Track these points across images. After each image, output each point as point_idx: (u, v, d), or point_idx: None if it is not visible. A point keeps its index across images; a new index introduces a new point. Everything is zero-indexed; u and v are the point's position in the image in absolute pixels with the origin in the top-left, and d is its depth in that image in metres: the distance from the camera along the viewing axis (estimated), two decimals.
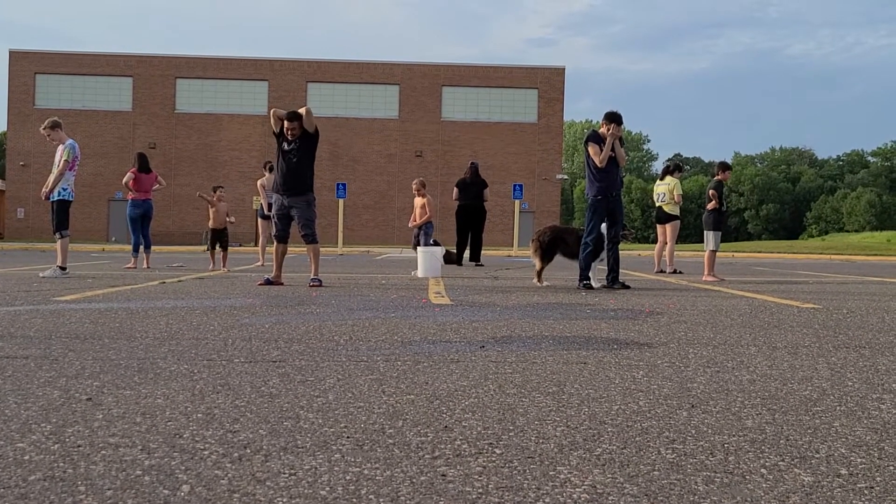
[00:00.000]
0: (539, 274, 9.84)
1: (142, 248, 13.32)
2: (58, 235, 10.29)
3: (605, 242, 9.44)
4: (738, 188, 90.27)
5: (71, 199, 10.36)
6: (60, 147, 10.39)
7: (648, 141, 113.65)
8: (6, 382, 3.17)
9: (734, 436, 2.49)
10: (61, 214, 10.27)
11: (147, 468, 2.07)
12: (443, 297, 7.69)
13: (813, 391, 3.23)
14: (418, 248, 12.07)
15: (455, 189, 16.17)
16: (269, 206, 11.40)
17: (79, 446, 2.26)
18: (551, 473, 2.08)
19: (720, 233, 11.67)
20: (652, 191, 15.34)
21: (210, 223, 13.92)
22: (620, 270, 9.83)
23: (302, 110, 9.15)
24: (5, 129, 45.73)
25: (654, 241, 16.75)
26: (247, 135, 43.56)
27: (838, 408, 2.93)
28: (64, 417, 2.60)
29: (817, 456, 2.28)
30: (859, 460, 2.25)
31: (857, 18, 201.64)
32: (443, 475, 2.05)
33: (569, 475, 2.07)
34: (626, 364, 3.82)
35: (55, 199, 10.26)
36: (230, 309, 6.22)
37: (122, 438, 2.35)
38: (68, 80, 43.48)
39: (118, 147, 42.83)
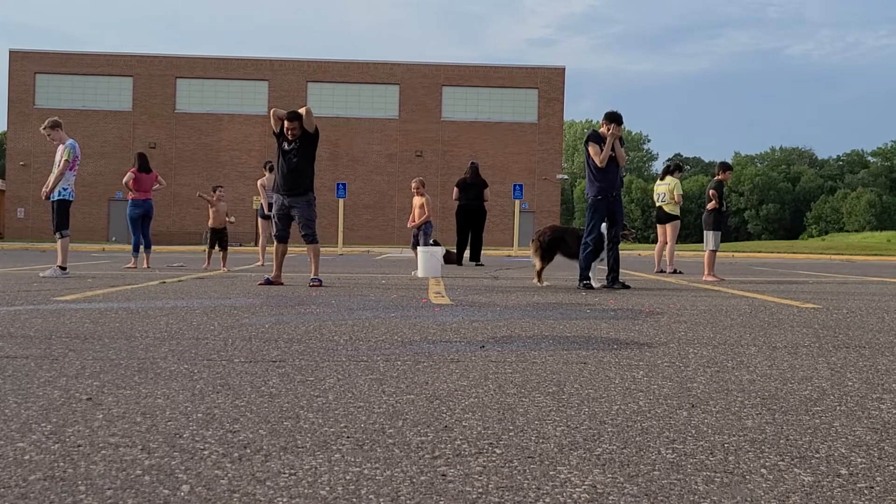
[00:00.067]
0: (539, 274, 9.84)
1: (142, 247, 13.32)
2: (58, 235, 10.29)
3: (606, 242, 9.44)
4: (739, 188, 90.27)
5: (71, 198, 10.36)
6: (61, 147, 10.39)
7: (648, 141, 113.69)
8: (6, 382, 3.17)
9: (734, 436, 2.49)
10: (61, 214, 10.27)
11: (147, 468, 2.07)
12: (443, 297, 7.69)
13: (813, 391, 3.23)
14: (418, 247, 12.06)
15: (455, 189, 16.17)
16: (270, 205, 11.41)
17: (79, 446, 2.26)
18: (551, 473, 2.08)
19: (720, 233, 11.67)
20: (652, 191, 15.35)
21: (210, 223, 13.91)
22: (620, 270, 9.83)
23: (302, 110, 9.15)
24: (5, 128, 45.74)
25: (655, 241, 16.76)
26: (247, 135, 43.56)
27: (838, 408, 2.93)
28: (64, 417, 2.60)
29: (817, 456, 2.28)
30: (859, 460, 2.25)
31: (857, 18, 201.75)
32: (443, 475, 2.05)
33: (569, 475, 2.07)
34: (626, 364, 3.82)
35: (55, 198, 10.26)
36: (230, 309, 6.22)
37: (123, 438, 2.35)
38: (68, 80, 43.49)
39: (118, 147, 42.84)
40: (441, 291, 8.37)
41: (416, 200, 12.65)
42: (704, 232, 11.75)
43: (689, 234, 61.99)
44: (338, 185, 28.58)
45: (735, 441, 2.42)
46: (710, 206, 11.60)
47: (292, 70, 44.30)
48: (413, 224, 12.67)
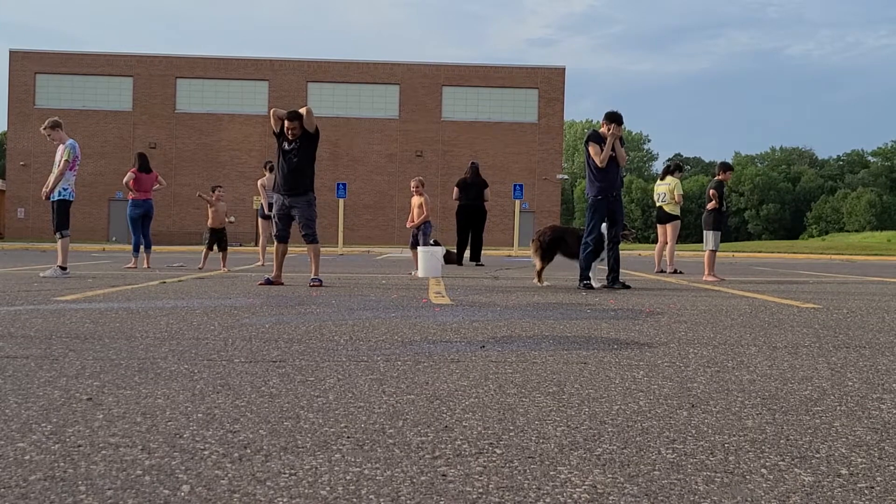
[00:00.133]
0: (539, 274, 9.84)
1: (142, 247, 13.32)
2: (58, 235, 10.29)
3: (606, 242, 9.44)
4: (739, 188, 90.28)
5: (71, 198, 10.36)
6: (61, 147, 10.39)
7: (649, 141, 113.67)
8: (7, 382, 3.17)
9: (734, 436, 2.49)
10: (62, 214, 10.27)
11: (147, 468, 2.07)
12: (443, 297, 7.69)
13: (813, 391, 3.23)
14: (419, 247, 12.06)
15: (455, 189, 16.17)
16: (270, 205, 11.40)
17: (79, 446, 2.26)
18: (552, 473, 2.08)
19: (720, 233, 11.66)
20: (652, 191, 15.34)
21: (209, 223, 13.89)
22: (621, 270, 9.83)
23: (302, 110, 9.15)
24: (6, 129, 45.74)
25: (655, 241, 16.76)
26: (247, 135, 43.57)
27: (838, 408, 2.93)
28: (64, 417, 2.60)
29: (818, 456, 2.28)
30: (860, 460, 2.25)
31: (857, 18, 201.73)
32: (443, 475, 2.05)
33: (569, 475, 2.07)
34: (626, 364, 3.82)
35: (55, 198, 10.26)
36: (230, 309, 6.22)
37: (123, 438, 2.35)
38: (69, 80, 43.49)
39: (118, 147, 42.84)
40: (441, 291, 8.37)
41: (415, 200, 12.65)
42: (704, 232, 11.75)
43: (690, 234, 61.98)
44: (338, 185, 28.58)
45: (735, 441, 2.42)
46: (710, 206, 11.60)
47: (292, 70, 44.31)
48: (412, 224, 12.67)
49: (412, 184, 12.80)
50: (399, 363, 3.74)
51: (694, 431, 2.54)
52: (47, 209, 11.25)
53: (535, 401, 2.96)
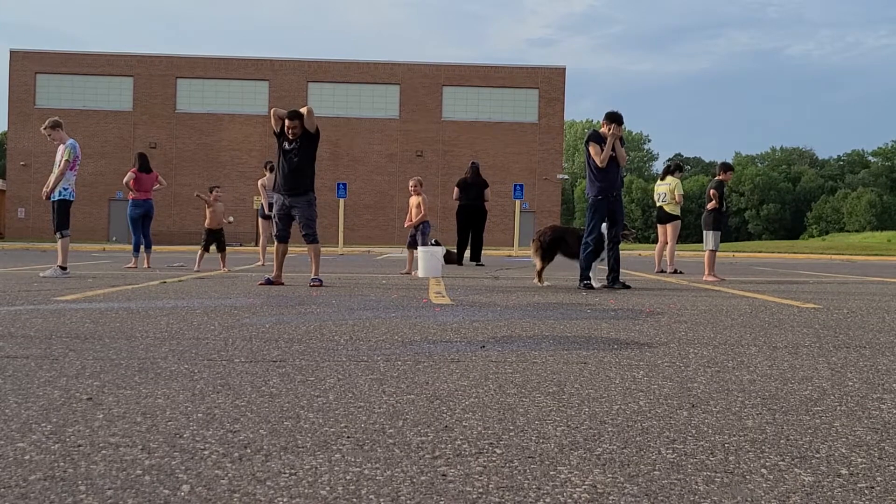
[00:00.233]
0: (539, 274, 9.84)
1: (142, 247, 13.32)
2: (58, 235, 10.29)
3: (606, 242, 9.44)
4: (739, 188, 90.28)
5: (72, 198, 10.36)
6: (61, 147, 10.40)
7: (649, 141, 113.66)
8: (7, 382, 3.17)
9: (734, 436, 2.49)
10: (62, 214, 10.28)
11: (147, 468, 2.07)
12: (443, 297, 7.69)
13: (813, 391, 3.23)
14: (419, 248, 12.07)
15: (456, 189, 16.17)
16: (270, 205, 11.40)
17: (79, 446, 2.26)
18: (552, 473, 2.08)
19: (720, 232, 11.66)
20: (652, 191, 15.34)
21: (206, 223, 13.81)
22: (621, 270, 9.83)
23: (303, 109, 9.15)
24: (6, 128, 45.73)
25: (655, 241, 16.76)
26: (247, 135, 43.57)
27: (839, 408, 2.93)
28: (64, 417, 2.60)
29: (818, 456, 2.28)
30: (860, 460, 2.25)
31: (857, 18, 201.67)
32: (443, 475, 2.05)
33: (569, 475, 2.07)
34: (626, 364, 3.82)
35: (56, 198, 10.26)
36: (231, 309, 6.22)
37: (123, 438, 2.35)
38: (69, 80, 43.49)
39: (119, 147, 42.84)
40: (441, 291, 8.37)
41: (413, 200, 12.65)
42: (704, 232, 11.74)
43: (690, 234, 61.98)
44: (338, 185, 28.58)
45: (735, 441, 2.42)
46: (710, 206, 11.60)
47: (293, 70, 44.31)
48: (410, 224, 12.66)
49: (410, 183, 12.80)
50: (399, 363, 3.74)
51: (694, 431, 2.54)
52: (47, 209, 11.25)
53: (535, 401, 2.96)
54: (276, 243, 9.33)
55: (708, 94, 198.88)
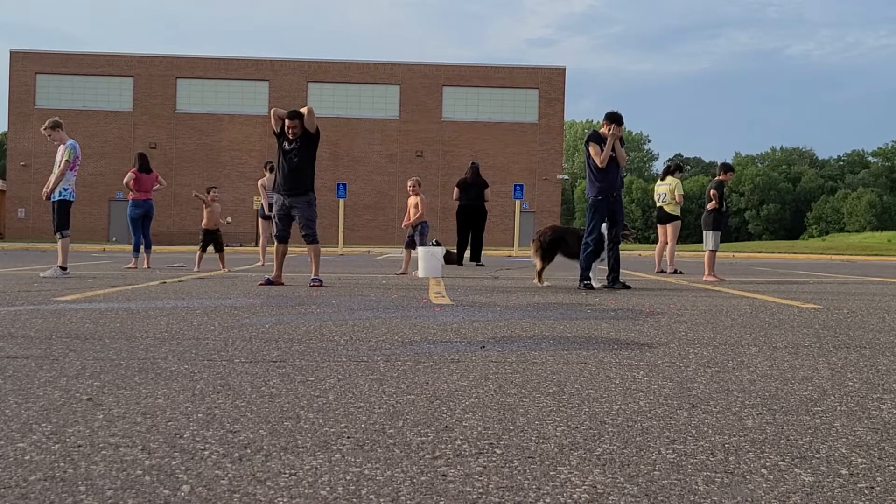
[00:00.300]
0: (539, 274, 9.84)
1: (142, 248, 13.32)
2: (58, 235, 10.29)
3: (606, 242, 9.44)
4: (739, 188, 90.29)
5: (72, 199, 10.36)
6: (61, 147, 10.40)
7: (649, 141, 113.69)
8: (7, 382, 3.17)
9: (735, 436, 2.49)
10: (62, 214, 10.28)
11: (147, 468, 2.07)
12: (443, 297, 7.69)
13: (813, 391, 3.23)
14: (419, 248, 12.06)
15: (456, 189, 16.17)
16: (270, 206, 11.40)
17: (79, 446, 2.26)
18: (552, 473, 2.08)
19: (719, 233, 11.66)
20: (652, 191, 15.34)
21: (203, 223, 13.79)
22: (621, 270, 9.83)
23: (304, 109, 9.15)
24: (6, 129, 45.74)
25: (655, 242, 16.76)
26: (247, 135, 43.57)
27: (839, 408, 2.93)
28: (64, 417, 2.60)
29: (818, 456, 2.28)
30: (860, 460, 2.25)
31: (857, 18, 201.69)
32: (443, 475, 2.05)
33: (569, 475, 2.07)
34: (626, 364, 3.82)
35: (56, 199, 10.26)
36: (231, 309, 6.22)
37: (123, 438, 2.35)
38: (69, 80, 43.49)
39: (119, 147, 42.84)
40: (441, 292, 8.37)
41: (412, 200, 12.65)
42: (704, 232, 11.74)
43: (690, 235, 61.99)
44: (338, 185, 28.58)
45: (735, 441, 2.42)
46: (709, 206, 11.60)
47: (293, 70, 44.31)
48: (408, 223, 12.66)
49: (409, 184, 12.80)
50: (399, 363, 3.74)
51: (694, 431, 2.54)
52: (48, 209, 11.25)
53: (535, 401, 2.96)
54: (276, 243, 9.33)
55: (708, 94, 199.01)
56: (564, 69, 45.22)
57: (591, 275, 9.33)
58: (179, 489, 1.91)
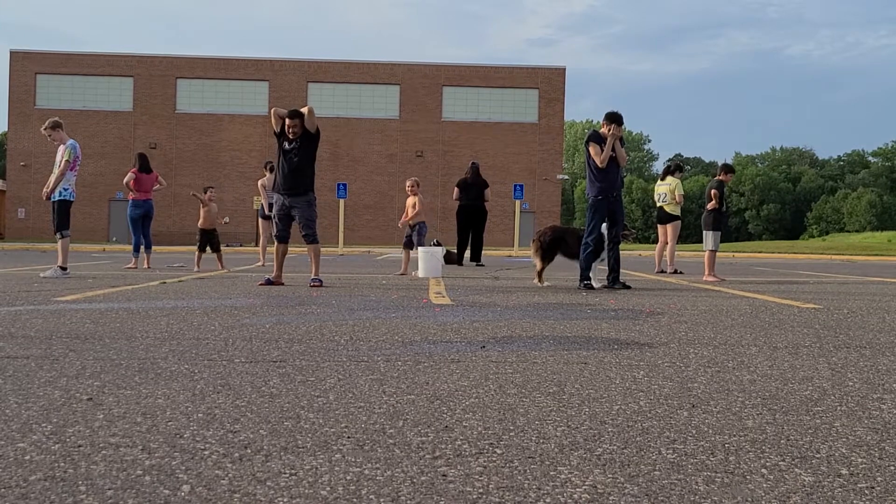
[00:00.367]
0: (540, 274, 9.84)
1: (142, 248, 13.32)
2: (58, 235, 10.29)
3: (606, 242, 9.44)
4: (739, 188, 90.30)
5: (72, 199, 10.36)
6: (61, 147, 10.40)
7: (649, 141, 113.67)
8: (7, 382, 3.17)
9: (735, 436, 2.49)
10: (62, 214, 10.28)
11: (148, 468, 2.07)
12: (443, 297, 7.69)
13: (814, 391, 3.23)
14: (419, 248, 12.06)
15: (456, 189, 16.17)
16: (270, 206, 11.40)
17: (79, 446, 2.26)
18: (552, 473, 2.08)
19: (719, 233, 11.66)
20: (653, 191, 15.34)
21: (200, 223, 13.79)
22: (621, 270, 9.83)
23: (304, 109, 9.15)
24: (6, 129, 45.73)
25: (655, 242, 16.76)
26: (247, 135, 43.57)
27: (839, 408, 2.93)
28: (65, 417, 2.60)
29: (818, 456, 2.28)
30: (860, 460, 2.25)
31: (857, 18, 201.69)
32: (443, 475, 2.05)
33: (569, 475, 2.07)
34: (626, 364, 3.82)
35: (56, 199, 10.26)
36: (231, 309, 6.22)
37: (123, 438, 2.35)
38: (69, 81, 43.49)
39: (119, 147, 42.84)
40: (442, 292, 8.37)
41: (410, 200, 12.66)
42: (704, 232, 11.75)
43: (690, 235, 62.01)
44: (338, 185, 28.58)
45: (736, 441, 2.42)
46: (709, 206, 11.60)
47: (293, 70, 44.30)
48: (405, 222, 12.66)
49: (407, 184, 12.80)
50: (399, 363, 3.74)
51: (694, 431, 2.54)
52: (48, 209, 11.25)
53: (536, 401, 2.96)
54: (276, 244, 9.33)
55: (708, 94, 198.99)
56: (564, 69, 45.22)
57: (591, 275, 9.33)
58: (179, 489, 1.91)
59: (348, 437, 2.40)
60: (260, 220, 14.97)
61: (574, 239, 9.84)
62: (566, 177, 58.96)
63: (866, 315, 6.46)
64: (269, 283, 9.10)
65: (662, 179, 14.19)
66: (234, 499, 1.85)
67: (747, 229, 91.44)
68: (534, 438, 2.42)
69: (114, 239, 41.31)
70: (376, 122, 44.27)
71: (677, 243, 14.17)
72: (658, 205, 14.06)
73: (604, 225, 9.40)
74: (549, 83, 44.67)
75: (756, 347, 4.46)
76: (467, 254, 15.89)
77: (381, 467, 2.11)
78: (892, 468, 2.18)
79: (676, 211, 13.78)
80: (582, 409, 2.82)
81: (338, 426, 2.53)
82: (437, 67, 45.06)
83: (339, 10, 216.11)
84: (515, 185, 29.36)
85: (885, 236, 66.92)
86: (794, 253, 33.27)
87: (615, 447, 2.34)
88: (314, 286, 8.95)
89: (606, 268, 9.54)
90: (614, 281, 9.35)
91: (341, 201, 28.14)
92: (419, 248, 12.05)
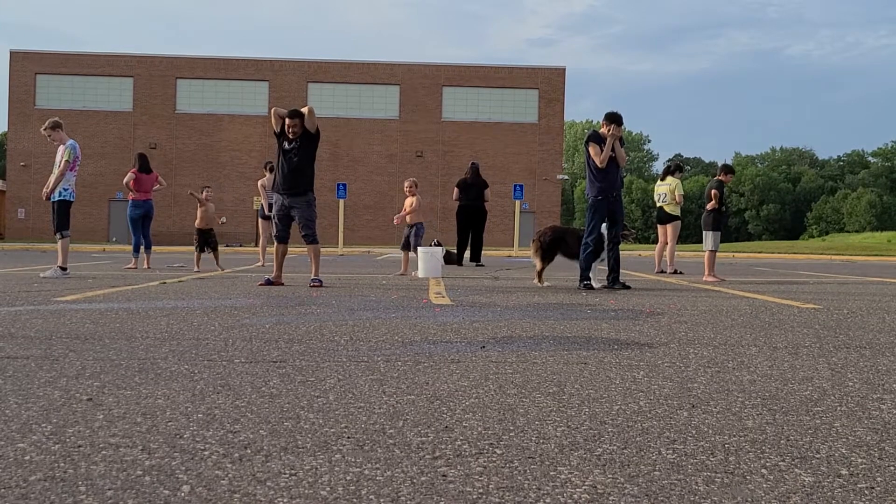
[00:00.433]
0: (539, 274, 9.84)
1: (142, 248, 13.32)
2: (58, 236, 10.29)
3: (606, 243, 9.44)
4: (739, 188, 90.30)
5: (72, 199, 10.36)
6: (61, 147, 10.40)
7: (649, 141, 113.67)
8: (7, 382, 3.17)
9: (735, 436, 2.49)
10: (62, 215, 10.28)
11: (147, 468, 2.07)
12: (443, 297, 7.69)
13: (813, 391, 3.23)
14: (419, 248, 12.07)
15: (456, 189, 16.17)
16: (270, 206, 11.40)
17: (79, 446, 2.26)
18: (552, 473, 2.08)
19: (719, 233, 11.67)
20: (652, 191, 15.34)
21: (196, 223, 13.80)
22: (621, 271, 9.83)
23: (304, 109, 9.15)
24: (6, 129, 45.74)
25: (655, 242, 16.76)
26: (247, 135, 43.57)
27: (839, 408, 2.93)
28: (64, 418, 2.60)
29: (818, 456, 2.28)
30: (860, 460, 2.25)
31: (857, 18, 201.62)
32: (443, 475, 2.05)
33: (569, 475, 2.07)
34: (626, 364, 3.82)
35: (56, 199, 10.26)
36: (231, 309, 6.22)
37: (123, 439, 2.35)
38: (69, 81, 43.49)
39: (119, 147, 42.84)
40: (441, 292, 8.37)
41: (408, 201, 12.67)
42: (704, 232, 11.75)
43: (690, 235, 62.01)
44: (338, 185, 28.59)
45: (736, 441, 2.42)
46: (709, 206, 11.61)
47: (292, 70, 44.31)
48: (400, 218, 12.67)
49: (406, 185, 12.81)
50: (399, 363, 3.74)
51: (694, 432, 2.54)
52: (47, 210, 11.25)
53: (536, 401, 2.96)
54: (275, 244, 9.33)
55: (708, 94, 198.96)
56: (564, 69, 45.23)
57: (591, 275, 9.33)
58: (179, 489, 1.91)
59: (348, 438, 2.40)
60: (260, 220, 14.98)
61: (574, 239, 9.84)
62: (566, 177, 58.97)
63: (866, 315, 6.46)
64: (268, 283, 9.10)
65: (662, 179, 14.19)
66: (234, 499, 1.85)
67: (747, 229, 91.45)
68: (534, 438, 2.42)
69: (114, 239, 41.31)
70: (376, 122, 44.28)
71: (677, 243, 14.17)
72: (658, 205, 14.07)
73: (604, 225, 9.41)
74: (548, 83, 44.67)
75: (756, 348, 4.46)
76: (467, 254, 15.89)
77: (381, 467, 2.11)
78: (892, 468, 2.18)
79: (676, 211, 13.78)
80: (582, 410, 2.83)
81: (338, 426, 2.53)
82: (436, 67, 45.06)
83: (339, 10, 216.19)
84: (515, 186, 29.38)
85: (885, 236, 66.91)
86: (794, 253, 33.28)
87: (615, 447, 2.34)
88: (314, 286, 8.95)
89: (606, 268, 9.54)
90: (614, 281, 9.35)
91: (341, 201, 28.15)
92: (419, 248, 12.06)
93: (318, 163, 10.11)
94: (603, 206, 9.33)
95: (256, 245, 20.64)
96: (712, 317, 6.13)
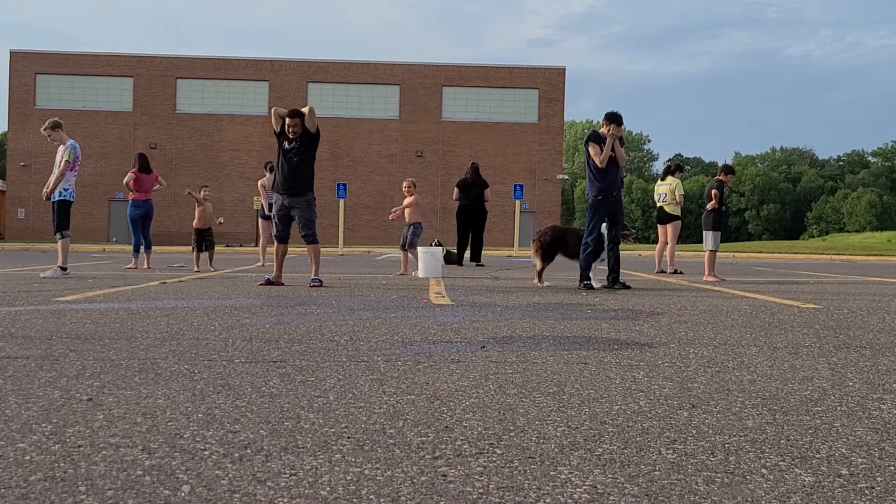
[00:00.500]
0: (540, 274, 9.84)
1: (142, 248, 13.33)
2: (58, 236, 10.29)
3: (606, 243, 9.44)
4: (739, 188, 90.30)
5: (72, 199, 10.36)
6: (61, 147, 10.40)
7: (649, 141, 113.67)
8: (7, 382, 3.17)
9: (735, 436, 2.49)
10: (62, 215, 10.28)
11: (148, 468, 2.07)
12: (443, 297, 7.69)
13: (814, 391, 3.23)
14: (419, 248, 12.07)
15: (456, 189, 16.17)
16: (270, 206, 11.40)
17: (79, 446, 2.26)
18: (552, 473, 2.08)
19: (719, 233, 11.67)
20: (652, 191, 15.34)
21: (194, 222, 13.81)
22: (621, 270, 9.83)
23: (305, 109, 9.16)
24: (6, 129, 45.74)
25: (655, 242, 16.77)
26: (247, 135, 43.57)
27: (839, 408, 2.93)
28: (65, 418, 2.60)
29: (818, 456, 2.28)
30: (860, 460, 2.25)
31: (857, 18, 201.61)
32: (443, 475, 2.05)
33: (569, 475, 2.07)
34: (626, 364, 3.82)
35: (56, 199, 10.26)
36: (231, 309, 6.22)
37: (123, 439, 2.35)
38: (69, 81, 43.49)
39: (119, 147, 42.84)
40: (442, 292, 8.37)
41: (407, 201, 12.68)
42: (704, 232, 11.75)
43: (690, 235, 62.02)
44: (338, 185, 28.59)
45: (736, 441, 2.42)
46: (709, 206, 11.61)
47: (292, 70, 44.30)
48: (396, 211, 12.65)
49: (404, 185, 12.81)
50: (399, 363, 3.74)
51: (694, 432, 2.54)
52: (48, 210, 11.25)
53: (536, 401, 2.96)
54: (275, 244, 9.33)
55: (708, 94, 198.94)
56: (564, 69, 45.22)
57: (591, 275, 9.33)
58: (179, 489, 1.91)
59: (348, 438, 2.40)
60: (260, 220, 14.98)
61: (574, 239, 9.84)
62: (566, 177, 58.97)
63: (866, 315, 6.46)
64: (268, 283, 9.10)
65: (662, 179, 14.19)
66: (234, 499, 1.85)
67: (747, 229, 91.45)
68: (534, 438, 2.42)
69: (114, 239, 41.31)
70: (376, 122, 44.28)
71: (677, 243, 14.17)
72: (658, 205, 14.07)
73: (604, 225, 9.41)
74: (548, 83, 44.67)
75: (756, 347, 4.46)
76: (467, 254, 15.89)
77: (381, 467, 2.11)
78: (892, 468, 2.18)
79: (676, 211, 13.78)
80: (582, 410, 2.82)
81: (338, 426, 2.53)
82: (436, 67, 45.06)
83: (339, 10, 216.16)
84: (515, 185, 29.37)
85: (885, 236, 66.92)
86: (794, 253, 33.27)
87: (615, 447, 2.34)
88: (314, 286, 8.95)
89: (606, 268, 9.54)
90: (614, 281, 9.35)
91: (341, 201, 28.14)
92: (419, 248, 12.06)
93: (318, 163, 10.11)
94: (603, 205, 9.33)
95: (256, 245, 20.63)
96: (712, 317, 6.13)
